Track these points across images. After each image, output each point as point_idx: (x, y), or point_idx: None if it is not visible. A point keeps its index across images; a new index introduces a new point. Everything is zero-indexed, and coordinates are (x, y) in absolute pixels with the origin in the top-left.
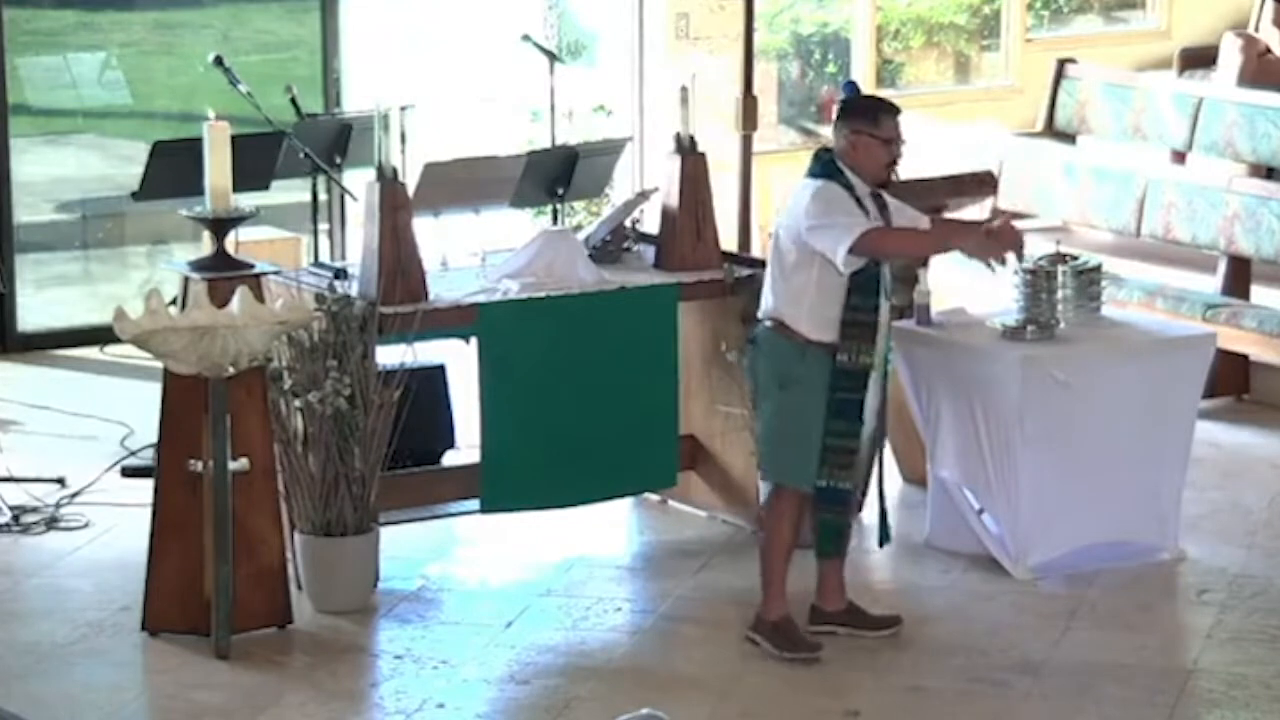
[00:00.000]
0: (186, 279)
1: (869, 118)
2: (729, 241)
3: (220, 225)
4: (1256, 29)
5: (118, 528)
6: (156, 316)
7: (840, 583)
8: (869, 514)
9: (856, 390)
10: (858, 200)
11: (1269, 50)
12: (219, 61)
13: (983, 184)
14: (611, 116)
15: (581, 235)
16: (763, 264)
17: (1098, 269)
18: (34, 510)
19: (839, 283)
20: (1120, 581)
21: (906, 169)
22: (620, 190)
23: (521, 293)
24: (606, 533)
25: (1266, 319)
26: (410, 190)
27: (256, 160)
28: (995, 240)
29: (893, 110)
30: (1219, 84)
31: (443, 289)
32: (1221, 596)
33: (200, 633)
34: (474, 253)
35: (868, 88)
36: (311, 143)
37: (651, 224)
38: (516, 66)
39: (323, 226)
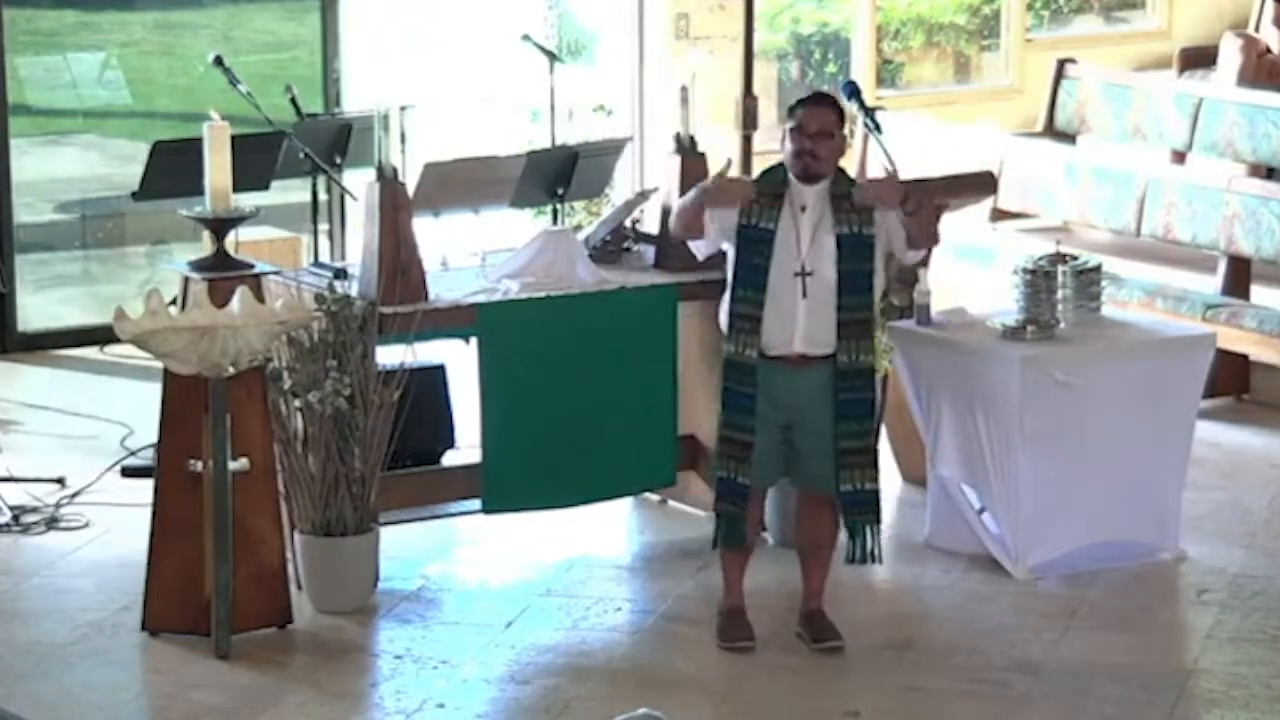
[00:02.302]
0: (186, 279)
1: (790, 109)
2: None
3: (220, 225)
4: (1256, 29)
5: (118, 528)
6: (156, 316)
7: (810, 586)
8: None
9: (744, 384)
10: (780, 196)
11: (1269, 50)
12: (219, 61)
13: (983, 184)
14: (611, 116)
15: (581, 235)
16: None
17: (1098, 269)
18: (34, 510)
19: (728, 276)
20: (1120, 581)
21: (906, 169)
22: (620, 190)
23: (521, 293)
24: (606, 533)
25: (1266, 319)
26: (410, 190)
27: (256, 160)
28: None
29: (814, 101)
30: (1219, 84)
31: (443, 289)
32: (1221, 596)
33: (200, 633)
34: (474, 253)
35: (868, 88)
36: (311, 143)
37: (651, 224)
38: (516, 66)
39: (323, 226)
